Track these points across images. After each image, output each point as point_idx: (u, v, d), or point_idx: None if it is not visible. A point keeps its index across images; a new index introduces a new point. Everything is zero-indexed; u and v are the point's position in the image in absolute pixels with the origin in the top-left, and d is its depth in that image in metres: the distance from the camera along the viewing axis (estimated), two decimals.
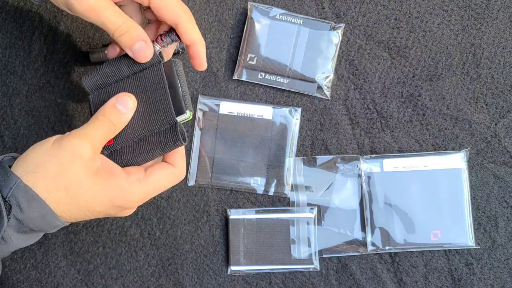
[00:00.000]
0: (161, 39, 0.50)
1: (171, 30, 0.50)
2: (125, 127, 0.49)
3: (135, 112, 0.49)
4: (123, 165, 0.49)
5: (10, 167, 0.46)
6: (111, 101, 0.48)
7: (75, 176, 0.45)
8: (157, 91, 0.49)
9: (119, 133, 0.49)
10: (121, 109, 0.48)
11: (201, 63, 0.52)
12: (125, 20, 0.48)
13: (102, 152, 0.48)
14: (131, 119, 0.49)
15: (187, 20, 0.50)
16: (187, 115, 0.48)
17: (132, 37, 0.48)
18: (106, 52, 0.57)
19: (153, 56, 0.49)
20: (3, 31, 0.61)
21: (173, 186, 0.61)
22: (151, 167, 0.49)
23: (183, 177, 0.51)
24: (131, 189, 0.47)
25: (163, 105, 0.48)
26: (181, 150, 0.50)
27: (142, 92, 0.49)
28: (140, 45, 0.48)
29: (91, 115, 0.50)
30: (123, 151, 0.49)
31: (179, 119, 0.48)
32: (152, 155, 0.49)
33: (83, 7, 0.46)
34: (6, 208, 0.44)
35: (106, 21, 0.47)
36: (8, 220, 0.44)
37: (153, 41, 0.50)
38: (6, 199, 0.44)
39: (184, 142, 0.48)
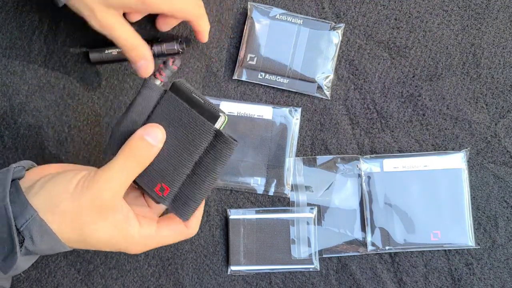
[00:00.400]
0: (160, 74, 0.49)
1: (167, 61, 0.50)
2: (176, 167, 0.47)
3: (175, 146, 0.47)
4: (185, 207, 0.47)
5: (19, 178, 0.46)
6: (138, 133, 0.46)
7: (91, 221, 0.45)
8: (182, 116, 0.47)
9: (170, 175, 0.47)
10: (150, 141, 0.46)
11: (202, 37, 0.60)
12: (134, 38, 0.54)
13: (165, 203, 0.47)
14: (174, 155, 0.47)
15: (199, 18, 0.58)
16: (222, 118, 0.46)
17: (138, 55, 0.55)
18: (105, 51, 0.57)
19: (156, 89, 0.48)
20: (3, 31, 0.61)
21: None
22: (163, 221, 0.49)
23: (192, 235, 0.50)
24: (139, 241, 0.47)
25: (195, 122, 0.46)
26: (197, 213, 0.49)
27: (169, 126, 0.47)
28: (143, 63, 0.55)
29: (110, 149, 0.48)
30: (182, 191, 0.47)
31: (218, 125, 0.46)
32: (214, 175, 0.46)
33: (99, 23, 0.52)
34: (19, 241, 0.43)
35: (118, 37, 0.53)
36: (20, 252, 0.44)
37: (153, 75, 0.49)
38: (20, 230, 0.43)
39: (236, 141, 0.46)
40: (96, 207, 0.44)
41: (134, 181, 0.48)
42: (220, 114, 0.46)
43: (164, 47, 0.60)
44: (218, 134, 0.46)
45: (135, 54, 0.55)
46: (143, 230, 0.47)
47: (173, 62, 0.50)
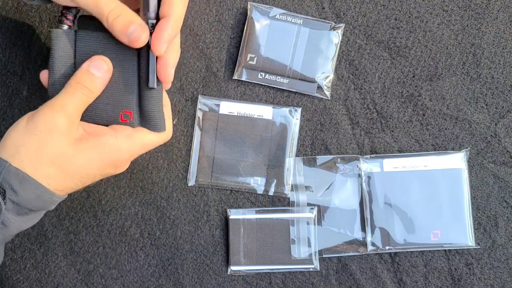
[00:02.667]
0: (66, 18, 0.49)
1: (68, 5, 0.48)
2: (125, 89, 0.49)
3: (116, 72, 0.48)
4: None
5: None
6: (84, 66, 0.47)
7: (57, 149, 0.45)
8: (106, 44, 0.48)
9: (125, 99, 0.49)
10: (95, 72, 0.47)
11: (165, 78, 0.49)
12: (118, 4, 0.46)
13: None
14: (119, 80, 0.48)
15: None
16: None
17: (126, 21, 0.45)
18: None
19: (68, 34, 0.48)
20: (3, 31, 0.61)
21: (173, 186, 0.61)
22: (138, 127, 0.50)
23: (169, 137, 0.52)
24: (119, 145, 0.47)
25: (120, 43, 0.47)
26: (167, 111, 0.51)
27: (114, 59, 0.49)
28: (134, 29, 0.45)
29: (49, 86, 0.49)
30: (143, 108, 0.50)
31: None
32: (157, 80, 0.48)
33: None
34: (0, 193, 0.44)
35: (100, 3, 0.45)
36: (5, 204, 0.44)
37: (59, 22, 0.49)
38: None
39: (158, 85, 0.48)
40: (55, 137, 0.45)
41: (99, 123, 0.49)
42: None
43: None
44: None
45: (121, 21, 0.45)
46: (119, 133, 0.48)
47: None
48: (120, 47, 0.48)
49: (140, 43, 0.46)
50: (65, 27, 0.49)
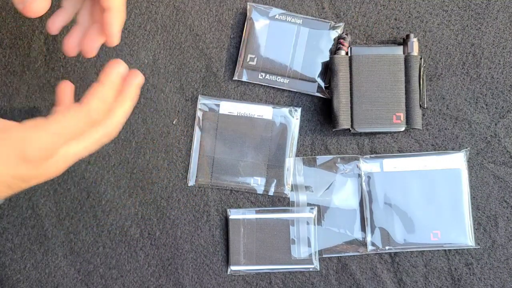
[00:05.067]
0: (343, 45, 0.60)
1: (341, 34, 0.61)
2: None
3: None
4: None
5: None
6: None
7: None
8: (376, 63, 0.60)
9: None
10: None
11: (111, 34, 0.47)
12: None
13: None
14: None
15: None
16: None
17: None
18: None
19: (346, 59, 0.59)
20: (3, 31, 0.61)
21: (173, 186, 0.61)
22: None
23: (93, 115, 0.44)
24: (26, 136, 0.41)
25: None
26: (97, 89, 0.45)
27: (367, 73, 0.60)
28: None
29: None
30: None
31: None
32: None
33: None
34: None
35: None
36: None
37: (339, 49, 0.60)
38: None
39: None
40: None
41: None
42: None
43: None
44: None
45: None
46: (25, 124, 0.41)
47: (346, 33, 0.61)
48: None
49: (32, 14, 0.43)
50: (343, 52, 0.60)
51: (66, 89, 0.48)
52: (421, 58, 0.60)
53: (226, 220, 0.61)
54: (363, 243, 0.61)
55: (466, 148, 0.62)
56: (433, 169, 0.61)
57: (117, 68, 0.46)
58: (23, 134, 0.41)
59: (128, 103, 0.47)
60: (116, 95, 0.46)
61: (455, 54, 0.63)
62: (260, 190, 0.61)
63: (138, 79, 0.48)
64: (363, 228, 0.61)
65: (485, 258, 0.61)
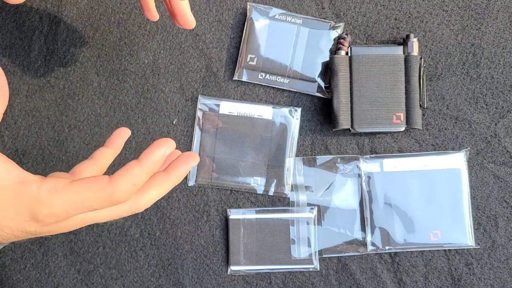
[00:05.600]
0: (343, 45, 0.60)
1: (342, 34, 0.61)
2: None
3: None
4: None
5: None
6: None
7: None
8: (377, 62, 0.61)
9: None
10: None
11: (186, 20, 0.51)
12: None
13: None
14: None
15: None
16: None
17: None
18: None
19: (345, 59, 0.60)
20: (3, 31, 0.61)
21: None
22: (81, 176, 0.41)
23: (117, 197, 0.37)
24: (40, 198, 0.38)
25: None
26: (131, 171, 0.37)
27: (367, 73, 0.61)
28: None
29: None
30: None
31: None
32: None
33: None
34: None
35: None
36: None
37: (339, 49, 0.60)
38: None
39: None
40: None
41: None
42: None
43: None
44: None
45: None
46: (46, 184, 0.38)
47: (346, 33, 0.61)
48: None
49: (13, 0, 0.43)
50: (343, 52, 0.60)
51: (124, 134, 0.45)
52: (421, 58, 0.60)
53: (226, 220, 0.61)
54: (363, 243, 0.61)
55: (466, 148, 0.62)
56: (433, 169, 0.61)
57: (163, 150, 0.38)
58: (38, 194, 0.38)
59: (167, 187, 0.40)
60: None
61: (455, 54, 0.63)
62: (260, 190, 0.61)
63: (192, 163, 0.40)
64: (363, 228, 0.61)
65: (485, 258, 0.61)
